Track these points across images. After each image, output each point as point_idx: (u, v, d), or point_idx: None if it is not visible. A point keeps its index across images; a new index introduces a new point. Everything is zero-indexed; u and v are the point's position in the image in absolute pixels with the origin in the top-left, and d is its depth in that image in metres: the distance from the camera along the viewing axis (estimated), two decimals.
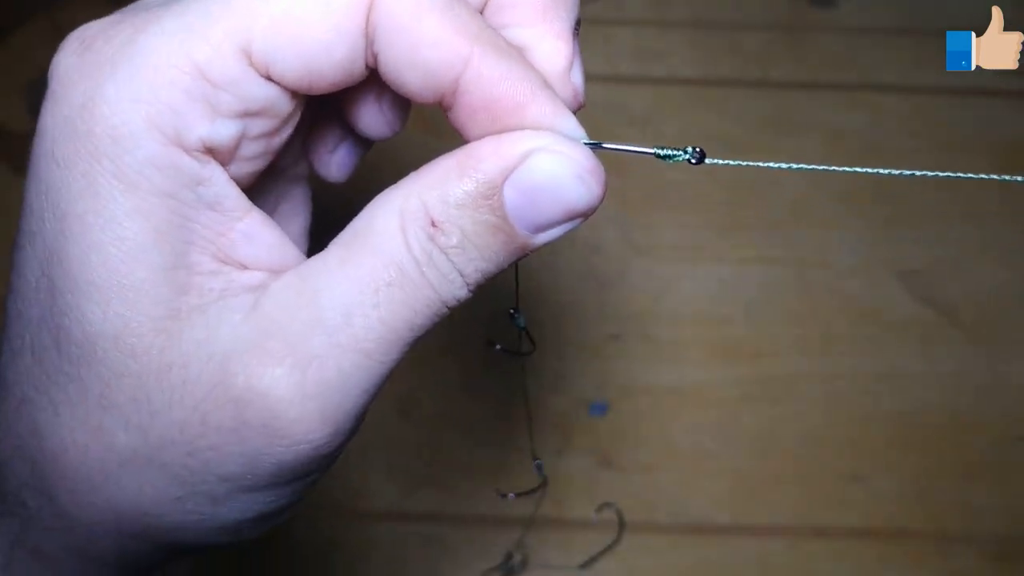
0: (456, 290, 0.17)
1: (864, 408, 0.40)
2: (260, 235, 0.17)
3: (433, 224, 0.16)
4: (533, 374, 0.40)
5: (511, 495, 0.33)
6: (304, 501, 0.18)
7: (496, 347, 0.27)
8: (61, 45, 0.17)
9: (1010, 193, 0.43)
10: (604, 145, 0.19)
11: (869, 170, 0.19)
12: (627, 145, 0.19)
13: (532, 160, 0.16)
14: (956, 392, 0.40)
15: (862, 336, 0.41)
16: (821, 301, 0.41)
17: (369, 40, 0.16)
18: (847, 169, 0.19)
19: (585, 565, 0.38)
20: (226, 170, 0.17)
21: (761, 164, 0.20)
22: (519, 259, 0.17)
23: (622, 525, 0.38)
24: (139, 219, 0.16)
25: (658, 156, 0.19)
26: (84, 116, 0.16)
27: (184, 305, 0.16)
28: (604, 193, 0.17)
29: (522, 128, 0.16)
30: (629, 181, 0.43)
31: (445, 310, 0.17)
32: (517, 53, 0.17)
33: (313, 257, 0.17)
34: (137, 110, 0.16)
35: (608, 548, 0.38)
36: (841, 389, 0.40)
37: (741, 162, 0.20)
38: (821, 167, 0.20)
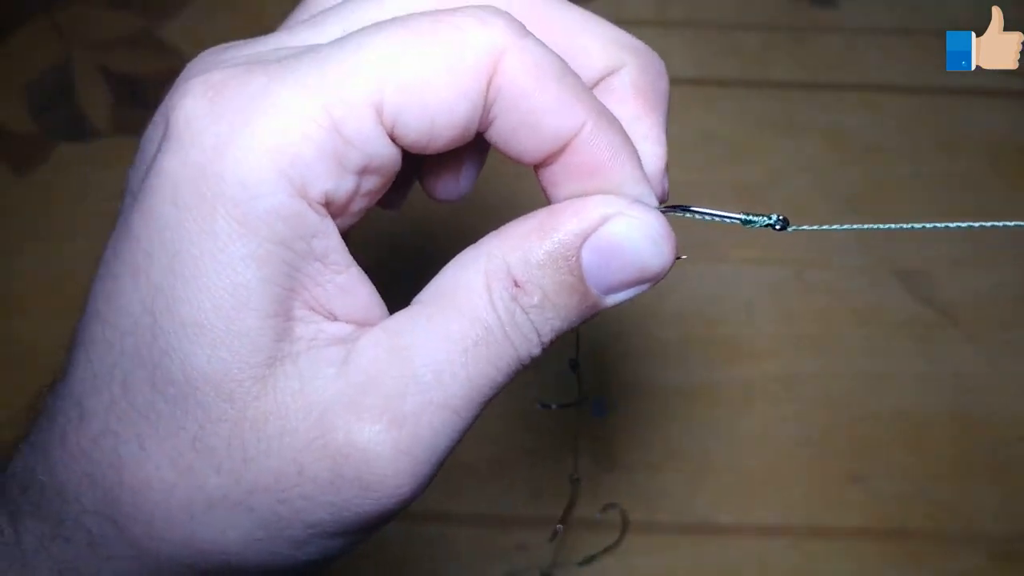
0: (533, 348, 0.18)
1: (864, 408, 0.40)
2: (355, 289, 0.18)
3: (516, 284, 0.17)
4: (533, 374, 0.40)
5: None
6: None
7: (552, 406, 0.28)
8: (183, 89, 0.16)
9: (1011, 192, 0.43)
10: (692, 208, 0.19)
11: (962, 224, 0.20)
12: (711, 210, 0.19)
13: (610, 223, 0.17)
14: (956, 392, 0.40)
15: (862, 336, 0.41)
16: (821, 301, 0.41)
17: (488, 104, 0.17)
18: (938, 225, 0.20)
19: (585, 563, 0.38)
20: (336, 221, 0.17)
21: (849, 227, 0.21)
22: (587, 320, 0.18)
23: (625, 525, 0.38)
24: (254, 266, 0.16)
25: (743, 223, 0.20)
26: (215, 161, 0.16)
27: (278, 352, 0.16)
28: (674, 259, 0.18)
29: (607, 192, 0.17)
30: None
31: (521, 368, 0.18)
32: (619, 125, 0.18)
33: (398, 313, 0.18)
34: (270, 159, 0.16)
35: (609, 548, 0.38)
36: (841, 389, 0.40)
37: (826, 227, 0.21)
38: (914, 225, 0.21)
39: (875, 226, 0.21)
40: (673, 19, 0.46)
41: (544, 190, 0.19)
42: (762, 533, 0.38)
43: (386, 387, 0.16)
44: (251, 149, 0.16)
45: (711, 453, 0.39)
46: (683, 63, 0.45)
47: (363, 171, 0.17)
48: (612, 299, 0.18)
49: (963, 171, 0.44)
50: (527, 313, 0.17)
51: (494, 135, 0.18)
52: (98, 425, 0.17)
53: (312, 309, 0.17)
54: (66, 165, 0.44)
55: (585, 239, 0.17)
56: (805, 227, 0.20)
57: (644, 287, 0.18)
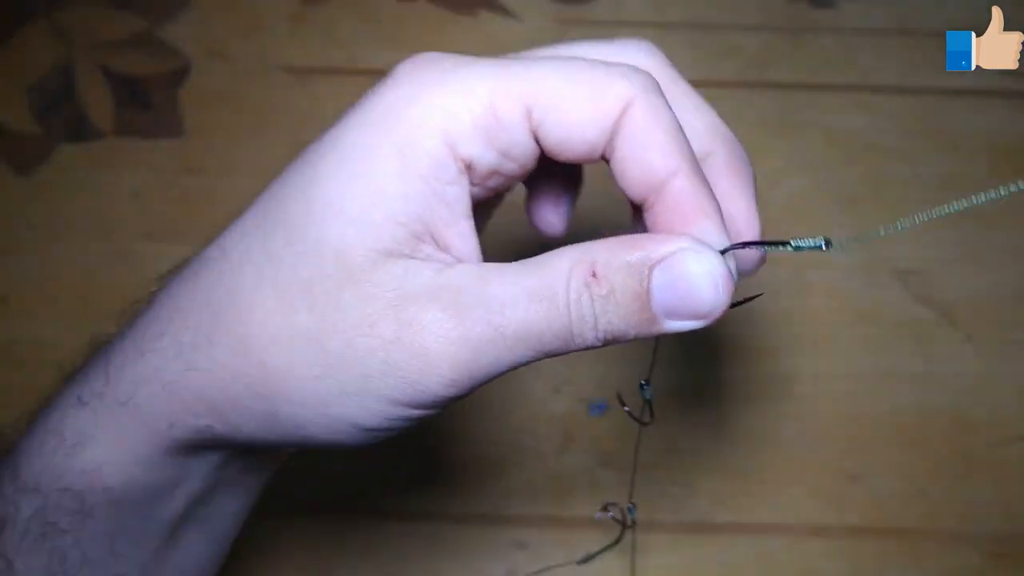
0: (587, 331, 0.20)
1: (863, 407, 0.40)
2: (467, 237, 0.22)
3: (594, 274, 0.20)
4: (534, 374, 0.41)
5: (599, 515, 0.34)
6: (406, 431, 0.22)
7: (624, 408, 0.30)
8: (404, 61, 0.22)
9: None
10: (751, 243, 0.24)
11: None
12: (766, 240, 0.23)
13: (682, 255, 0.20)
14: (954, 391, 0.40)
15: (861, 336, 0.41)
16: (820, 301, 0.42)
17: (613, 134, 0.21)
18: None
19: (584, 562, 0.38)
20: (471, 186, 0.22)
21: (884, 231, 0.23)
22: (645, 337, 0.21)
23: (625, 525, 0.38)
24: (398, 183, 0.20)
25: (794, 249, 0.23)
26: (400, 105, 0.21)
27: (394, 250, 0.21)
28: (728, 302, 0.21)
29: (687, 231, 0.21)
30: None
31: (570, 347, 0.21)
32: (708, 184, 0.22)
33: (495, 263, 0.21)
34: (441, 116, 0.21)
35: (609, 547, 0.38)
36: (840, 388, 0.40)
37: (862, 239, 0.23)
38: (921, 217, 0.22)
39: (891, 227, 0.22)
40: (672, 20, 0.46)
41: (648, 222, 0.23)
42: (761, 532, 0.38)
43: (461, 296, 0.20)
44: (426, 105, 0.21)
45: (710, 452, 0.39)
46: (682, 64, 0.45)
47: (504, 153, 0.21)
48: (669, 324, 0.21)
49: (961, 171, 0.44)
50: (593, 300, 0.20)
51: (614, 163, 0.21)
52: (232, 262, 0.22)
53: (432, 238, 0.21)
54: (67, 165, 0.44)
55: (660, 261, 0.20)
56: (846, 239, 0.22)
57: (698, 323, 0.21)
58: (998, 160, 0.44)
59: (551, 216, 0.27)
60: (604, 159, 0.22)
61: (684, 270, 0.20)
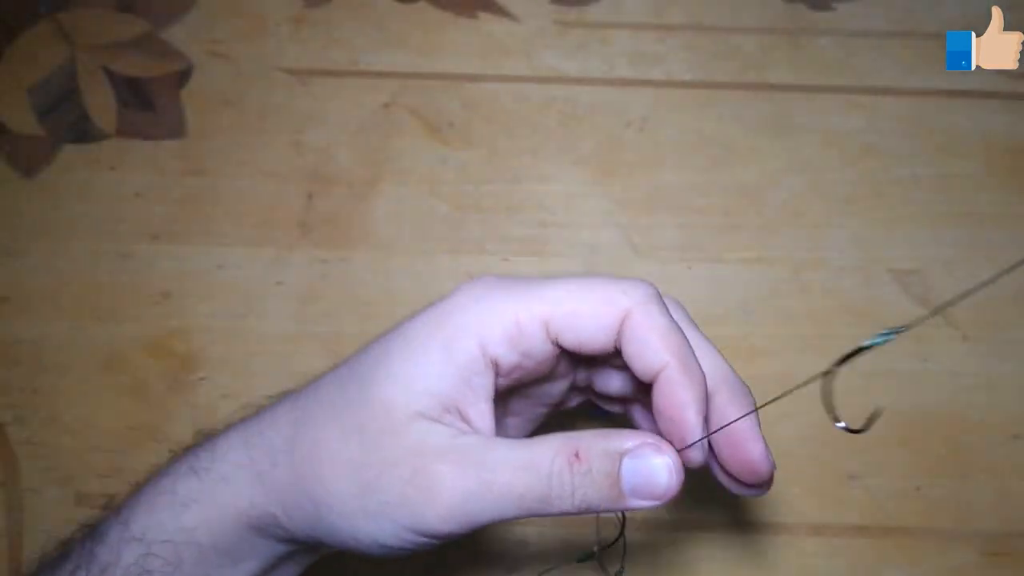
0: (565, 499, 0.26)
1: (860, 407, 0.40)
2: (485, 415, 0.27)
3: (576, 455, 0.25)
4: None
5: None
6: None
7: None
8: (468, 281, 0.28)
9: (1005, 193, 0.43)
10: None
11: None
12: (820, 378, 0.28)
13: (646, 448, 0.26)
14: (952, 391, 0.41)
15: (858, 335, 0.41)
16: (817, 301, 0.42)
17: (619, 335, 0.27)
18: None
19: (583, 561, 0.38)
20: (497, 377, 0.27)
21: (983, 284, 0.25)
22: (612, 510, 0.27)
23: (623, 524, 0.39)
24: (439, 368, 0.27)
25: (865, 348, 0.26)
26: (454, 312, 0.27)
27: (427, 414, 0.26)
28: (679, 488, 0.26)
29: (672, 415, 0.26)
30: (628, 182, 0.44)
31: (548, 509, 0.26)
32: (691, 375, 0.26)
33: (503, 438, 0.27)
34: (478, 325, 0.27)
35: (607, 546, 0.38)
36: (837, 388, 0.41)
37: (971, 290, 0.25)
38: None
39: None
40: (671, 23, 0.46)
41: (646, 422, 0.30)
42: (759, 530, 0.39)
43: (466, 457, 0.26)
44: (469, 316, 0.27)
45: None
46: (681, 66, 0.46)
47: (525, 354, 0.27)
48: (632, 501, 0.26)
49: (958, 172, 0.44)
50: (573, 475, 0.25)
51: (623, 354, 0.27)
52: (316, 400, 0.28)
53: (457, 411, 0.27)
54: (70, 166, 0.44)
55: (630, 451, 0.26)
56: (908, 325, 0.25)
57: (655, 503, 0.26)
58: (995, 161, 0.44)
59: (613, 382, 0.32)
60: (617, 350, 0.27)
61: (647, 460, 0.26)
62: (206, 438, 0.30)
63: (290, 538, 0.28)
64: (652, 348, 0.26)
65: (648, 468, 0.26)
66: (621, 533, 0.38)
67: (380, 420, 0.26)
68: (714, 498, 0.39)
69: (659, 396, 0.26)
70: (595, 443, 0.26)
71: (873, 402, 0.40)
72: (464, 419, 0.27)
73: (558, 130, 0.45)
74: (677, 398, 0.26)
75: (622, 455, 0.26)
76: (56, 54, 0.46)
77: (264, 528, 0.28)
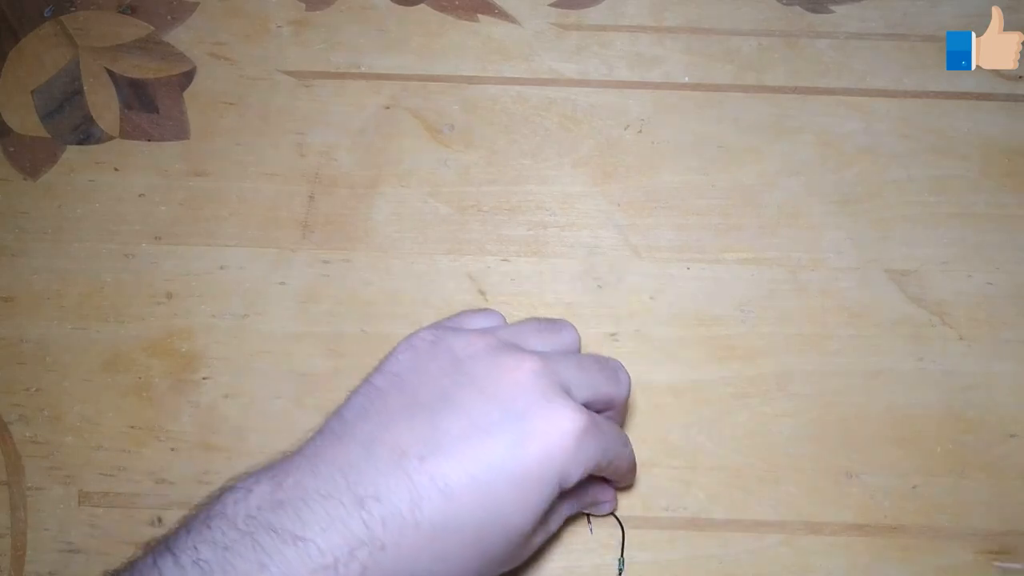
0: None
1: (857, 406, 0.41)
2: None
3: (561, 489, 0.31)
4: None
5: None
6: None
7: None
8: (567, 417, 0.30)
9: (1000, 194, 0.44)
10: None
11: None
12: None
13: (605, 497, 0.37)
14: (948, 390, 0.41)
15: (855, 335, 0.42)
16: (815, 301, 0.42)
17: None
18: None
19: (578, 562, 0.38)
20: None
21: None
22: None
23: (622, 525, 0.39)
24: (535, 501, 0.30)
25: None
26: (553, 458, 0.30)
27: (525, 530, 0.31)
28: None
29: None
30: (627, 183, 0.44)
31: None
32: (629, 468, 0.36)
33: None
34: (558, 475, 0.30)
35: (603, 546, 0.39)
36: (834, 387, 0.41)
37: None
38: None
39: None
40: (670, 25, 0.47)
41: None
42: (756, 528, 0.39)
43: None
44: (564, 467, 0.30)
45: (705, 450, 0.40)
46: (679, 68, 0.46)
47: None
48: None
49: (954, 174, 0.44)
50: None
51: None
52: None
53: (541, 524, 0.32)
54: (74, 168, 0.45)
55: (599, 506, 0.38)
56: None
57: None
58: (991, 163, 0.44)
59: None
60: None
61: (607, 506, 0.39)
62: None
63: None
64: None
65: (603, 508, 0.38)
66: (623, 533, 0.38)
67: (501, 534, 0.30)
68: (712, 497, 0.39)
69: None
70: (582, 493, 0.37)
71: (869, 401, 0.41)
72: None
73: (558, 132, 0.45)
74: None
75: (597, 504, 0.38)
76: (60, 56, 0.46)
77: None
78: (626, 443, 0.35)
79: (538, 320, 0.35)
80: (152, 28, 0.47)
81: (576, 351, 0.35)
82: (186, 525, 0.27)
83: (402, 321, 0.42)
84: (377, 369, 0.32)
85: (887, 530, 0.39)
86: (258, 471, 0.29)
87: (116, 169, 0.45)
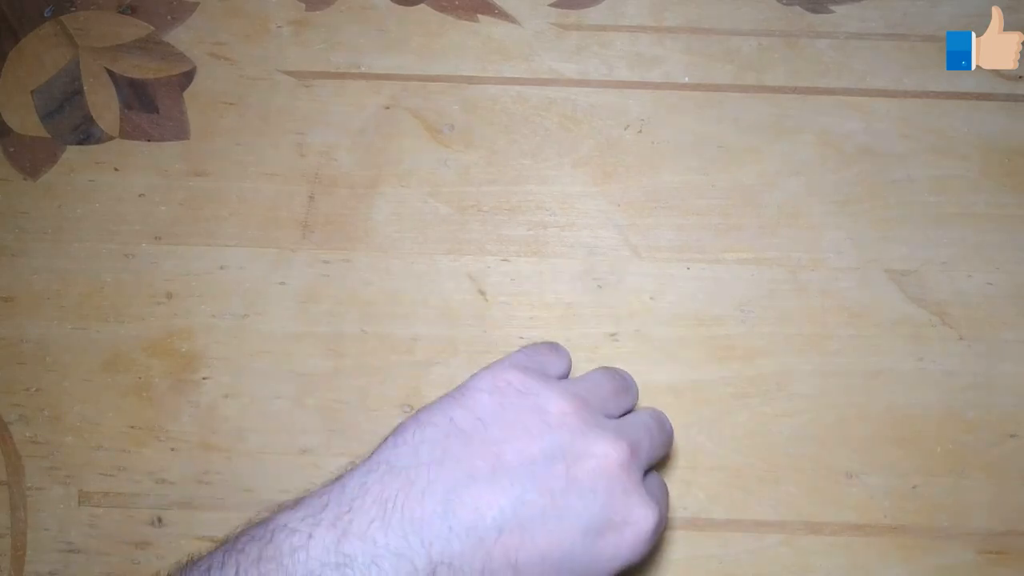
0: None
1: (857, 406, 0.41)
2: None
3: None
4: None
5: None
6: None
7: None
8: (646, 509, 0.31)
9: (1000, 194, 0.44)
10: None
11: None
12: None
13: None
14: (948, 390, 0.41)
15: (855, 335, 0.42)
16: (815, 301, 0.42)
17: None
18: None
19: None
20: None
21: None
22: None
23: None
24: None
25: None
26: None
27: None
28: None
29: None
30: (627, 183, 0.44)
31: None
32: None
33: None
34: (622, 567, 0.30)
35: None
36: (834, 387, 0.41)
37: None
38: None
39: None
40: (670, 25, 0.47)
41: None
42: (756, 528, 0.39)
43: None
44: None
45: (705, 450, 0.40)
46: (679, 68, 0.46)
47: None
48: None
49: (954, 174, 0.44)
50: None
51: None
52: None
53: None
54: (74, 168, 0.45)
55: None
56: None
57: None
58: (991, 163, 0.44)
59: None
60: None
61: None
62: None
63: None
64: None
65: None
66: None
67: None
68: (712, 497, 0.39)
69: None
70: None
71: (869, 401, 0.41)
72: None
73: (558, 132, 0.45)
74: None
75: None
76: (60, 56, 0.46)
77: None
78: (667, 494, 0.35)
79: (610, 375, 0.35)
80: (152, 28, 0.47)
81: (635, 404, 0.35)
82: (234, 563, 0.25)
83: (402, 321, 0.42)
84: (459, 400, 0.30)
85: (887, 530, 0.39)
86: (313, 503, 0.27)
87: (116, 169, 0.45)
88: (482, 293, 0.43)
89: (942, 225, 0.43)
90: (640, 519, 0.29)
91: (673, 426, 0.40)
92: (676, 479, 0.39)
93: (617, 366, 0.41)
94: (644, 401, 0.41)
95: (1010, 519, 0.39)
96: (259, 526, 0.26)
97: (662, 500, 0.32)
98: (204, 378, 0.41)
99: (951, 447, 0.40)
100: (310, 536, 0.25)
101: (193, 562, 0.26)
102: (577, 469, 0.28)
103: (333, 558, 0.24)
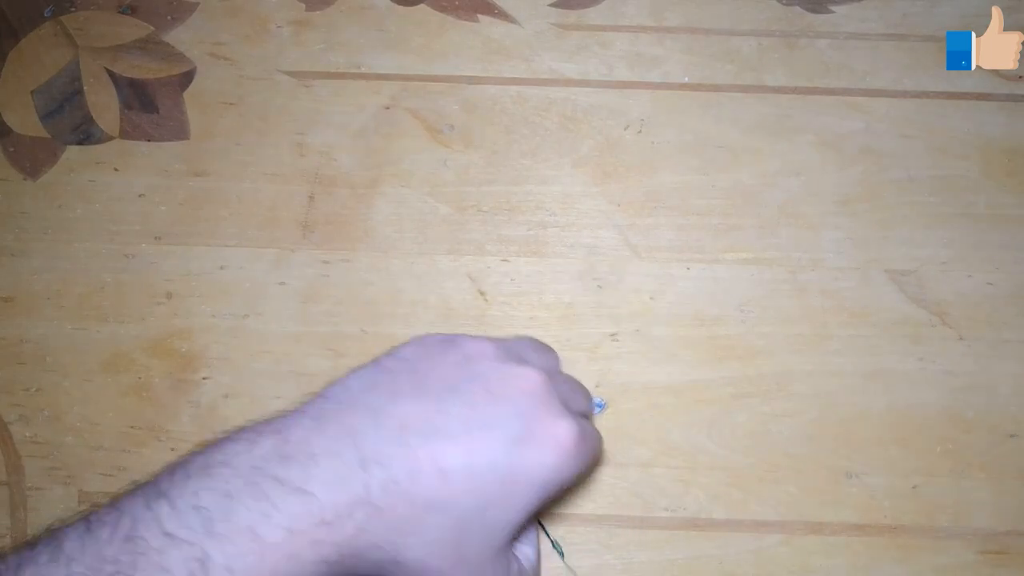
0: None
1: (857, 406, 0.41)
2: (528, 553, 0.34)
3: None
4: None
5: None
6: None
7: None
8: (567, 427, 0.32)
9: (1000, 194, 0.44)
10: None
11: None
12: None
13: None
14: (948, 390, 0.41)
15: (855, 335, 0.42)
16: (814, 301, 0.42)
17: None
18: None
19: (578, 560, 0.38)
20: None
21: None
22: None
23: (619, 525, 0.39)
24: (521, 505, 0.31)
25: None
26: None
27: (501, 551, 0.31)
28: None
29: None
30: (627, 183, 0.44)
31: None
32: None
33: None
34: (547, 481, 0.31)
35: (604, 546, 0.39)
36: (834, 387, 0.41)
37: None
38: None
39: None
40: (670, 25, 0.47)
41: None
42: (756, 528, 0.39)
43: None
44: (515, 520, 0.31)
45: (705, 450, 0.40)
46: (679, 68, 0.46)
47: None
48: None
49: (954, 174, 0.44)
50: None
51: None
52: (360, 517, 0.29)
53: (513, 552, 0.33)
54: (74, 168, 0.45)
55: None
56: None
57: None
58: (991, 163, 0.44)
59: None
60: None
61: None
62: None
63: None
64: None
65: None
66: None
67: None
68: (712, 497, 0.39)
69: None
70: None
71: (868, 401, 0.41)
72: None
73: (557, 132, 0.45)
74: None
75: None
76: (60, 56, 0.46)
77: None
78: (601, 441, 0.36)
79: (531, 339, 0.37)
80: (152, 28, 0.47)
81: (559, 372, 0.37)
82: (184, 470, 0.28)
83: (402, 321, 0.42)
84: (386, 353, 0.33)
85: (887, 530, 0.39)
86: (258, 425, 0.30)
87: (116, 169, 0.45)
88: (482, 293, 0.43)
89: (942, 225, 0.43)
90: (562, 432, 0.30)
91: (673, 426, 0.40)
92: (676, 479, 0.39)
93: (617, 366, 0.41)
94: (643, 401, 0.41)
95: (1010, 519, 0.39)
96: (207, 446, 0.29)
97: (591, 433, 0.33)
98: (204, 378, 0.41)
99: (951, 447, 0.40)
100: (253, 443, 0.28)
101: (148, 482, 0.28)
102: (497, 386, 0.31)
103: (274, 456, 0.28)
